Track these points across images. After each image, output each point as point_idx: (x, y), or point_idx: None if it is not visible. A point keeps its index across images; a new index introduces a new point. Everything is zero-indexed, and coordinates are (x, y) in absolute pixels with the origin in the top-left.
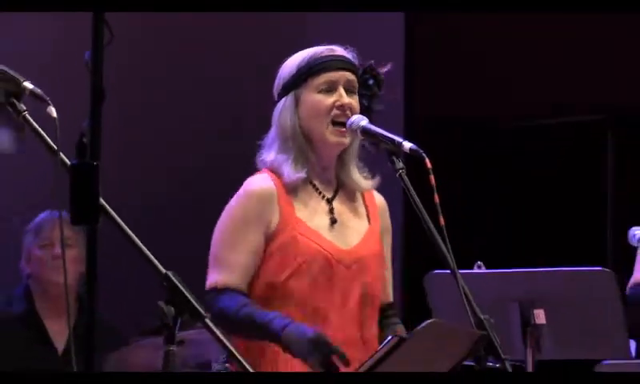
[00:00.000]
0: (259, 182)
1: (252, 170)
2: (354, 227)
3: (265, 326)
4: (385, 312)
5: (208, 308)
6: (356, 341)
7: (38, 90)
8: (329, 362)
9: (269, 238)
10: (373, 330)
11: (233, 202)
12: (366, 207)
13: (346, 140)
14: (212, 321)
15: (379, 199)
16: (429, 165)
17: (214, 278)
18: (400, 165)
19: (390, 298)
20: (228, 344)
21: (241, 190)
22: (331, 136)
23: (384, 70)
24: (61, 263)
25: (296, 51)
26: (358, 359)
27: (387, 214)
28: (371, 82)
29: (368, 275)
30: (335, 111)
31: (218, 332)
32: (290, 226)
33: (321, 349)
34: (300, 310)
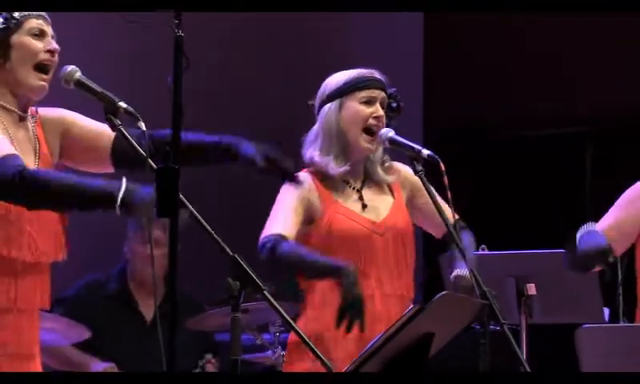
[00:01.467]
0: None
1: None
2: (381, 205)
3: (324, 262)
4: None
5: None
6: (392, 295)
7: (131, 109)
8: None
9: (313, 215)
10: (408, 283)
11: (282, 192)
12: (389, 186)
13: (374, 147)
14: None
15: (398, 173)
16: (443, 168)
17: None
18: (419, 168)
19: (448, 225)
20: (284, 313)
21: (283, 187)
22: (363, 143)
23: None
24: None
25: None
26: (396, 313)
27: (409, 179)
28: (394, 105)
29: (399, 240)
30: (372, 120)
31: (275, 302)
32: (331, 207)
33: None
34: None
